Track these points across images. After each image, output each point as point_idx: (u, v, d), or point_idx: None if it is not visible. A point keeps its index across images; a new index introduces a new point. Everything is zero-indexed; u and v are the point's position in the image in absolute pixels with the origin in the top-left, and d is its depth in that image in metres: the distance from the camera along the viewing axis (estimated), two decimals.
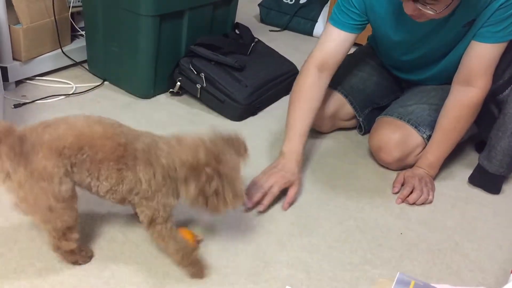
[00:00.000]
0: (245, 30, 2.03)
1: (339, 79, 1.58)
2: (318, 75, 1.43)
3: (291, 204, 1.31)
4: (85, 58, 1.93)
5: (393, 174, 1.49)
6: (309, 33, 2.67)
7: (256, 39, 2.02)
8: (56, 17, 1.78)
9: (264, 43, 2.04)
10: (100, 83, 1.85)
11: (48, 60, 1.83)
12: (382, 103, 1.68)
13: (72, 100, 1.73)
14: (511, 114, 1.36)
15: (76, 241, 1.00)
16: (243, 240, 1.18)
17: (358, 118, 1.65)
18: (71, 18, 1.88)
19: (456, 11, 1.28)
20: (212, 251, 1.14)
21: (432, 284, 1.06)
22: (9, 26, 1.65)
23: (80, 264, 1.05)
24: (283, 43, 2.47)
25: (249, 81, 1.76)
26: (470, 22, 1.32)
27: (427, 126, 1.47)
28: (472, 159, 1.61)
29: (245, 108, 1.72)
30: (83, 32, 1.93)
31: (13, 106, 1.62)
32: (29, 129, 0.92)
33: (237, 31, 2.03)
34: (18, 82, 1.77)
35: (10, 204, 1.19)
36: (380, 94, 1.68)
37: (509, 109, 1.36)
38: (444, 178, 1.51)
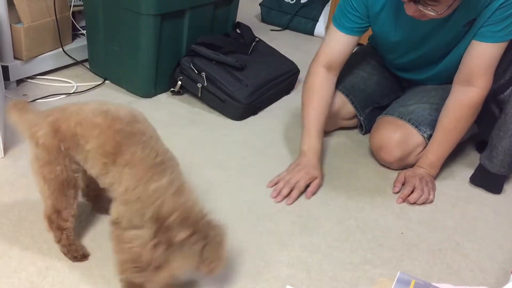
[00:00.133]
0: (246, 29, 2.03)
1: (340, 78, 1.58)
2: (326, 74, 1.49)
3: (314, 193, 1.38)
4: (86, 57, 1.93)
5: (394, 174, 1.49)
6: (310, 32, 2.67)
7: (257, 39, 2.01)
8: (57, 16, 1.78)
9: (265, 43, 2.04)
10: (101, 82, 1.85)
11: (49, 59, 1.83)
12: (383, 102, 1.68)
13: (73, 99, 1.73)
14: None
15: (65, 227, 1.02)
16: (243, 239, 1.18)
17: (359, 117, 1.65)
18: (72, 17, 1.88)
19: (456, 10, 1.28)
20: None
21: (433, 284, 1.06)
22: (10, 25, 1.65)
23: (72, 259, 1.05)
24: (284, 42, 2.47)
25: (250, 81, 1.76)
26: (470, 22, 1.32)
27: (428, 125, 1.47)
28: (473, 158, 1.61)
29: (246, 107, 1.72)
30: (84, 31, 1.93)
31: None
32: (54, 108, 1.01)
33: (238, 31, 2.03)
34: (19, 81, 1.77)
35: (11, 203, 1.19)
36: (381, 93, 1.68)
37: (510, 109, 1.36)
38: (444, 177, 1.51)
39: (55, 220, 1.01)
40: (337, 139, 1.67)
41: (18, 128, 1.00)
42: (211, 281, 1.05)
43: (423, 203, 1.39)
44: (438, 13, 1.18)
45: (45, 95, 1.71)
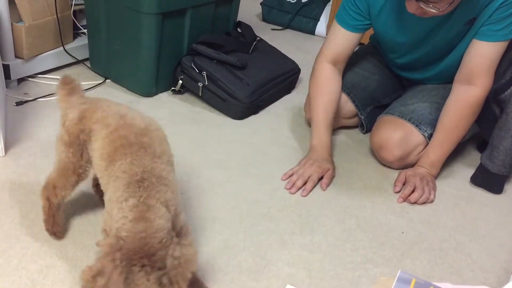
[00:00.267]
0: (247, 28, 2.03)
1: (342, 77, 1.58)
2: (332, 69, 1.51)
3: (328, 184, 1.41)
4: (87, 56, 1.93)
5: (395, 173, 1.49)
6: (311, 31, 2.67)
7: (258, 38, 2.02)
8: (58, 15, 1.78)
9: (266, 42, 2.04)
10: (102, 81, 1.85)
11: (50, 58, 1.83)
12: (384, 101, 1.68)
13: None
14: None
15: (52, 201, 1.05)
16: (244, 238, 1.18)
17: (360, 116, 1.65)
18: (73, 16, 1.88)
19: (457, 8, 1.28)
20: (214, 249, 1.14)
21: (433, 283, 1.06)
22: (11, 23, 1.65)
23: (46, 230, 1.09)
24: (285, 41, 2.47)
25: (251, 80, 1.76)
26: (471, 20, 1.32)
27: (428, 124, 1.47)
28: (473, 158, 1.61)
29: (246, 106, 1.72)
30: (85, 30, 1.93)
31: (15, 104, 1.62)
32: (94, 98, 1.06)
33: (239, 30, 2.03)
34: (20, 80, 1.77)
35: (12, 202, 1.19)
36: (382, 92, 1.68)
37: (511, 108, 1.36)
38: (445, 177, 1.51)
39: (47, 191, 1.05)
40: (338, 138, 1.67)
41: (58, 105, 1.06)
42: (211, 281, 1.05)
43: (424, 203, 1.39)
44: (440, 10, 1.18)
45: (46, 94, 1.71)
